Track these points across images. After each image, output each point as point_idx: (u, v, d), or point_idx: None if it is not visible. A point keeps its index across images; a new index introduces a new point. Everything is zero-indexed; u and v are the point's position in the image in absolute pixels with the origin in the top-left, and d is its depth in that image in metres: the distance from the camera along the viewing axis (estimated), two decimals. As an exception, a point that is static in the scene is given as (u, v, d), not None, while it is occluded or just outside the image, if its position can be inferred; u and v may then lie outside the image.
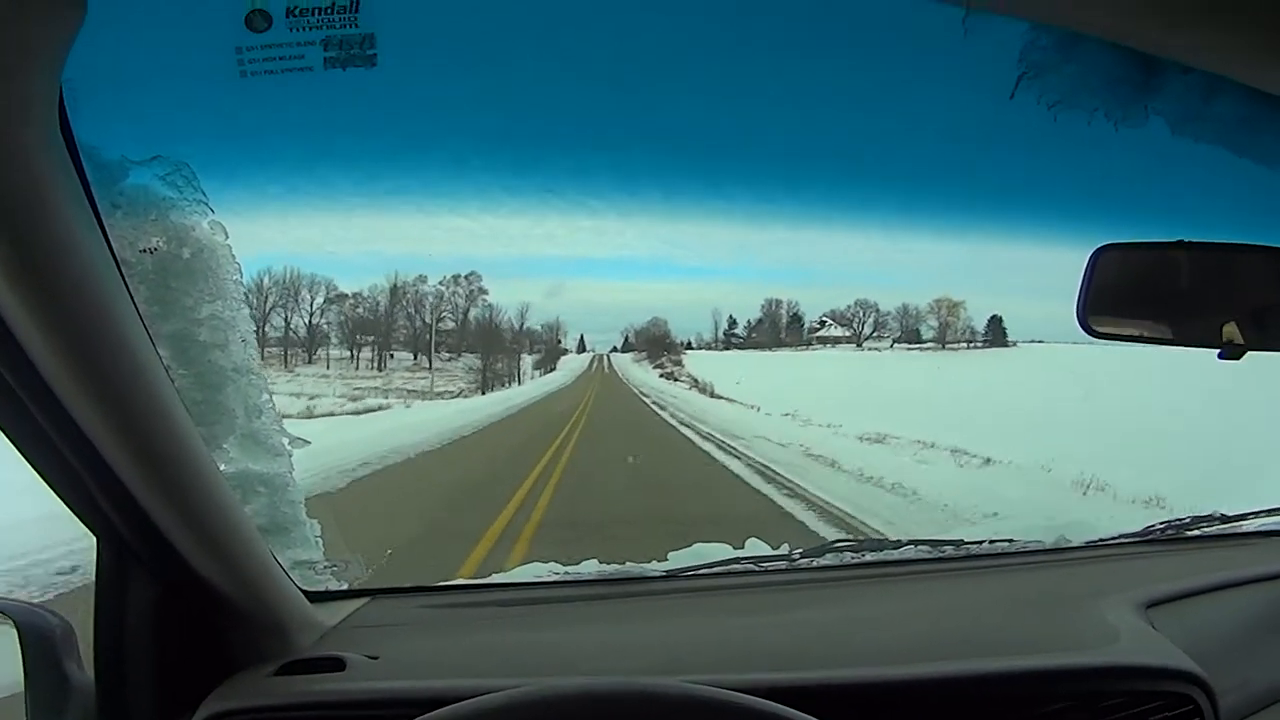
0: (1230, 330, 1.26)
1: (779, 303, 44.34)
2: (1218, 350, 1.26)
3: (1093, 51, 0.91)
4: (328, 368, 33.49)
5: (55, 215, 0.85)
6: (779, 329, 44.16)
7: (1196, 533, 2.18)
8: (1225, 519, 2.18)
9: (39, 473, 1.09)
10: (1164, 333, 1.34)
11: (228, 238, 1.19)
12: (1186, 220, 1.36)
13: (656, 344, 43.66)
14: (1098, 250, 1.31)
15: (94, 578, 1.28)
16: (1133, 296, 1.33)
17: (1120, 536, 2.15)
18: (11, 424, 1.02)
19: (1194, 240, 1.29)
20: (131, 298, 1.01)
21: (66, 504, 1.15)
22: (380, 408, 24.86)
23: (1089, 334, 1.33)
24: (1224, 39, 0.71)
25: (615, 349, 45.17)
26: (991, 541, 2.08)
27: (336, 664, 1.38)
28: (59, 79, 0.81)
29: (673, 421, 19.33)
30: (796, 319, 43.81)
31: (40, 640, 1.31)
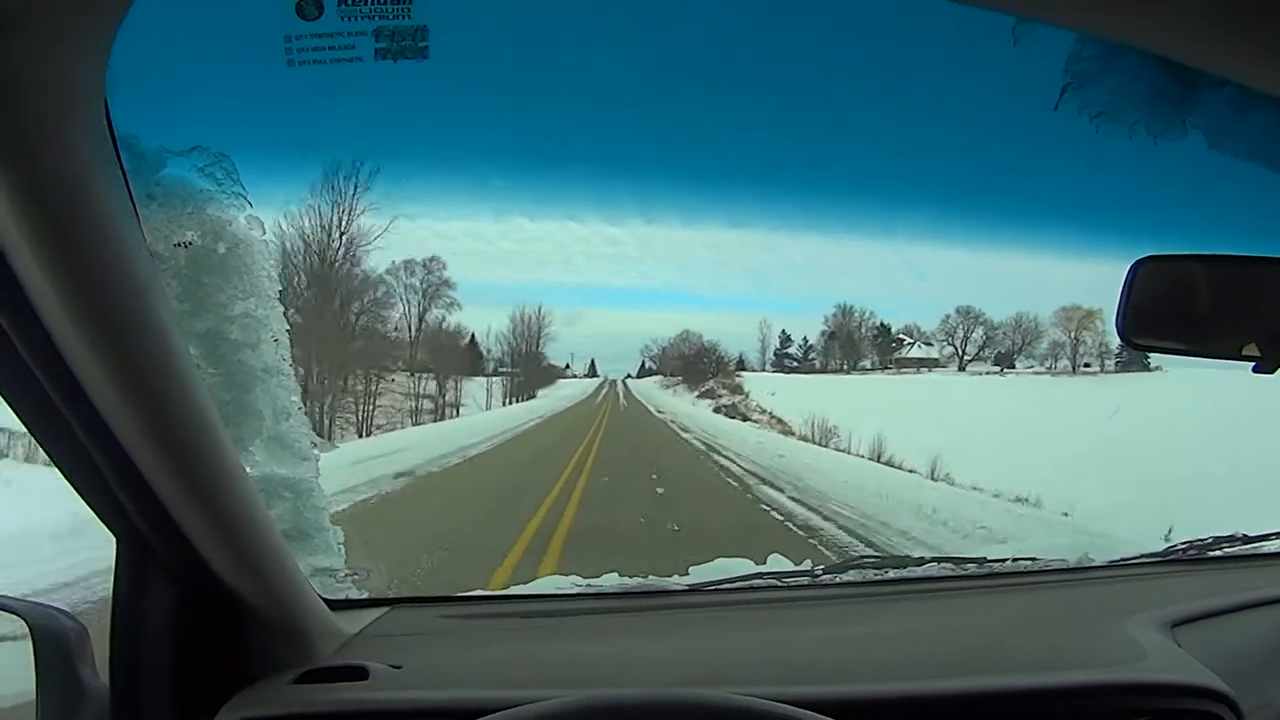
0: (1267, 344, 1.25)
1: (850, 311, 35.89)
2: (1252, 364, 1.26)
3: (1134, 63, 0.90)
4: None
5: (94, 205, 0.83)
6: (856, 346, 35.74)
7: (1219, 553, 2.17)
8: (1248, 539, 2.17)
9: (60, 468, 1.07)
10: (1202, 345, 1.33)
11: (264, 233, 1.17)
12: (1227, 233, 1.36)
13: (694, 365, 36.19)
14: (1137, 262, 1.30)
15: (111, 579, 1.26)
16: (1172, 309, 1.32)
17: (1143, 556, 2.15)
18: (35, 416, 1.00)
19: (1234, 254, 1.28)
20: (164, 292, 0.99)
21: (87, 502, 1.13)
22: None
23: (1129, 346, 1.33)
24: (1258, 52, 0.69)
25: (630, 376, 39.32)
26: (1014, 560, 2.07)
27: (359, 673, 1.35)
28: (105, 66, 0.79)
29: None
30: (883, 331, 35.46)
31: (54, 642, 1.28)
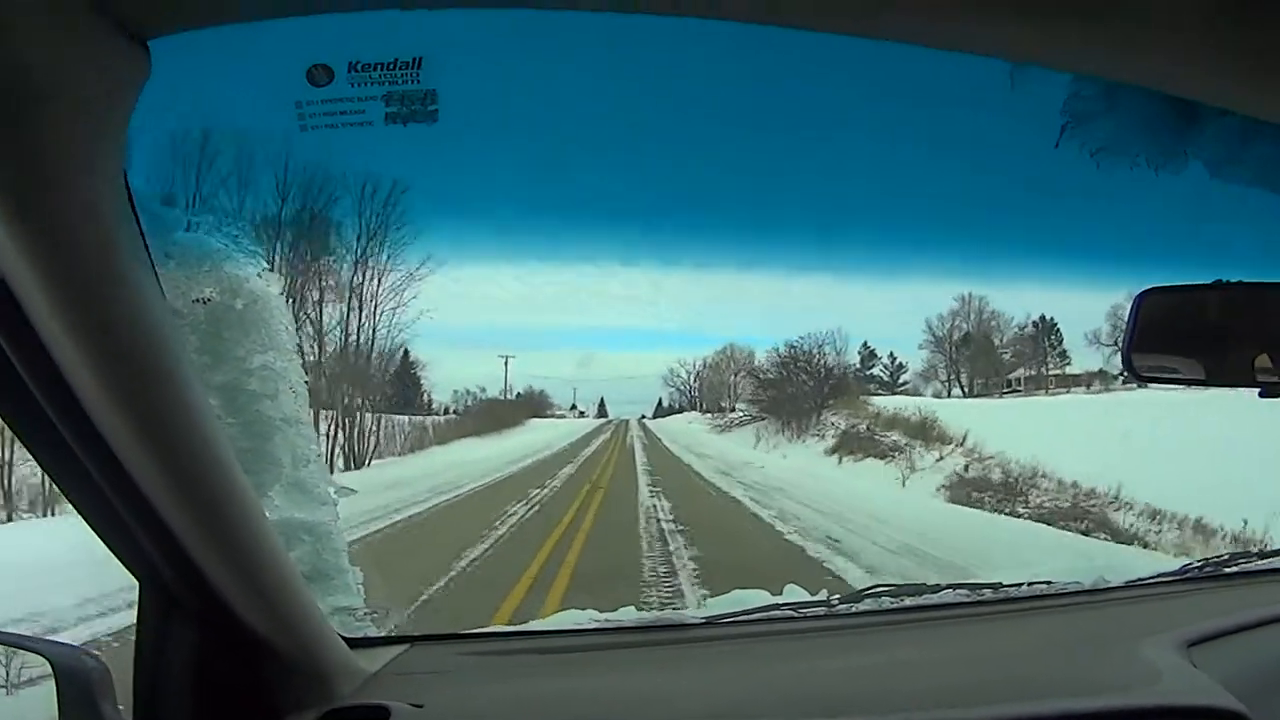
0: (1272, 369, 1.26)
1: (970, 301, 24.79)
2: (1259, 389, 1.27)
3: (1133, 99, 0.91)
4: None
5: (116, 265, 0.86)
6: (994, 357, 24.38)
7: (1234, 570, 2.16)
8: (1263, 555, 2.16)
9: (82, 514, 1.10)
10: (1210, 373, 1.34)
11: (282, 289, 1.19)
12: (1229, 261, 1.37)
13: (779, 389, 22.73)
14: (1141, 294, 1.31)
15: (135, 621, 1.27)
16: (1177, 337, 1.33)
17: (1158, 576, 2.14)
18: (59, 465, 1.03)
19: (1236, 280, 1.29)
20: (184, 346, 1.01)
21: (109, 547, 1.16)
22: None
23: (1134, 376, 1.34)
24: (1260, 82, 0.71)
25: (645, 416, 29.46)
26: (1030, 584, 2.06)
27: (381, 713, 1.36)
28: (125, 132, 0.82)
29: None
30: (1044, 330, 24.41)
31: (76, 682, 1.30)
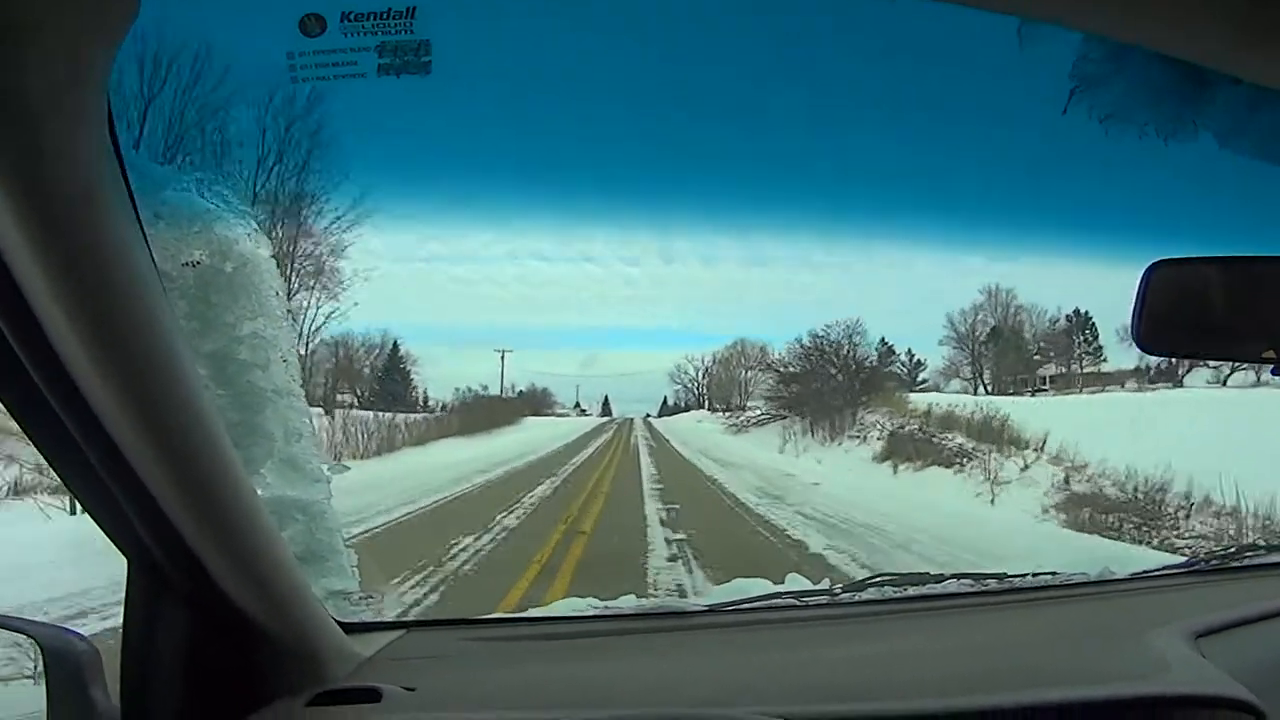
0: None
1: (997, 294, 22.80)
2: (1271, 366, 1.25)
3: (1142, 64, 0.89)
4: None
5: (103, 226, 0.83)
6: (1023, 353, 22.39)
7: (1242, 562, 2.16)
8: (1270, 548, 2.15)
9: (72, 491, 1.07)
10: (1221, 349, 1.32)
11: (272, 252, 1.17)
12: (1240, 233, 1.35)
13: (802, 383, 19.87)
14: (1151, 266, 1.29)
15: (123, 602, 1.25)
16: (1189, 312, 1.31)
17: (1165, 568, 2.14)
18: (46, 439, 1.00)
19: (1249, 254, 1.27)
20: (173, 313, 0.99)
21: (99, 525, 1.13)
22: None
23: (1145, 352, 1.32)
24: (1262, 47, 0.69)
25: (650, 415, 27.92)
26: (1035, 574, 2.05)
27: (372, 695, 1.33)
28: (108, 84, 0.79)
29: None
30: (1079, 324, 22.65)
31: (65, 664, 1.27)
